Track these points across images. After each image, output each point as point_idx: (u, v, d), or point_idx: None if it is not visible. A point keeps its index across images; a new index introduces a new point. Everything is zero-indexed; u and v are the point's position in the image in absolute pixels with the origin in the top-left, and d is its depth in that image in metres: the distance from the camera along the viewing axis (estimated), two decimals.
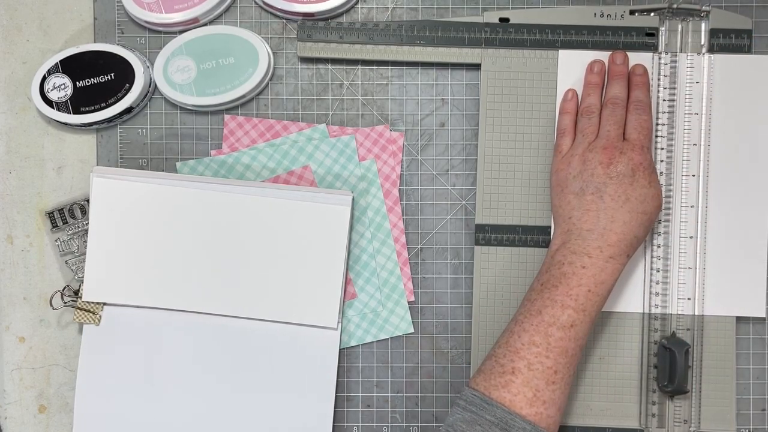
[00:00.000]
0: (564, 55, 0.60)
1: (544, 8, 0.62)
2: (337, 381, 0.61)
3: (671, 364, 0.59)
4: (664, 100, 0.60)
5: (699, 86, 0.60)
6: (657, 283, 0.60)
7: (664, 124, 0.60)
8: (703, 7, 0.60)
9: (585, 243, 0.53)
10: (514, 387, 0.51)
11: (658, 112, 0.60)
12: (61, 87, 0.61)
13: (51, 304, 0.61)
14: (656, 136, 0.60)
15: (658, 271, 0.60)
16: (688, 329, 0.60)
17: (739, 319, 0.61)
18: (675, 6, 0.60)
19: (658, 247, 0.60)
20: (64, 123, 0.61)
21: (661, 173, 0.60)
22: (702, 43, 0.60)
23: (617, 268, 0.53)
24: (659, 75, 0.60)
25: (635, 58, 0.60)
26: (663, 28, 0.60)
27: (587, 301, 0.52)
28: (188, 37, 0.61)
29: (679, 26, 0.60)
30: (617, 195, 0.54)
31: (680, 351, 0.58)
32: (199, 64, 0.61)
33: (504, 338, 0.54)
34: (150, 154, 0.63)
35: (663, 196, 0.58)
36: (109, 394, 0.60)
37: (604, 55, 0.60)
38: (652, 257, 0.60)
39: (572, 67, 0.60)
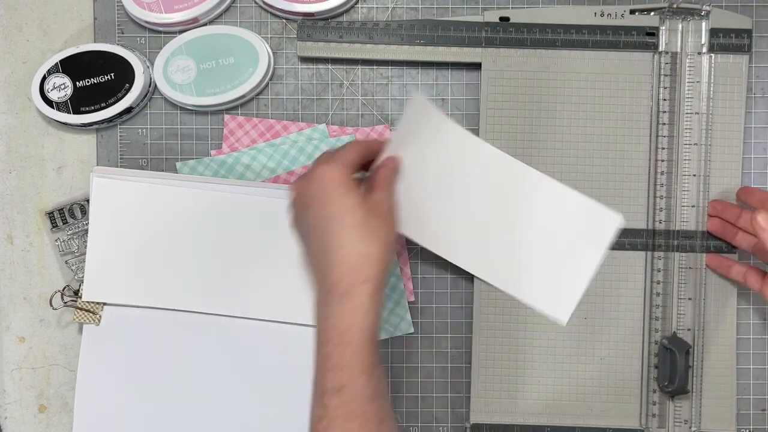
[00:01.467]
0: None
1: (545, 8, 0.62)
2: None
3: (672, 364, 0.58)
4: (664, 100, 0.60)
5: (699, 86, 0.60)
6: (658, 283, 0.60)
7: (664, 124, 0.60)
8: (704, 7, 0.60)
9: None
10: None
11: (658, 111, 0.60)
12: (61, 87, 0.61)
13: (51, 304, 0.61)
14: (657, 136, 0.60)
15: (659, 271, 0.60)
16: (689, 329, 0.60)
17: (739, 318, 0.61)
18: (675, 5, 0.60)
19: (659, 246, 0.60)
20: (64, 123, 0.61)
21: (662, 173, 0.60)
22: (702, 42, 0.60)
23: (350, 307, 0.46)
24: (659, 74, 0.60)
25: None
26: (663, 28, 0.60)
27: (342, 357, 0.45)
28: (188, 37, 0.61)
29: (680, 26, 0.60)
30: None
31: (681, 351, 0.58)
32: (199, 64, 0.61)
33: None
34: (150, 154, 0.63)
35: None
36: (109, 394, 0.60)
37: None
38: (653, 257, 0.60)
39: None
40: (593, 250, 0.58)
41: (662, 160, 0.60)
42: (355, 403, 0.45)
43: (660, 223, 0.60)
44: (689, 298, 0.59)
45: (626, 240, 0.61)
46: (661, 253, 0.60)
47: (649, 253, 0.60)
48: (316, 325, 0.47)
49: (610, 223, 0.58)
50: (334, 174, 0.47)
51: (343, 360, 0.45)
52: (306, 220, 0.47)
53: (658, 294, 0.60)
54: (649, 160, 0.60)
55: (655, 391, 0.60)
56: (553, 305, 0.59)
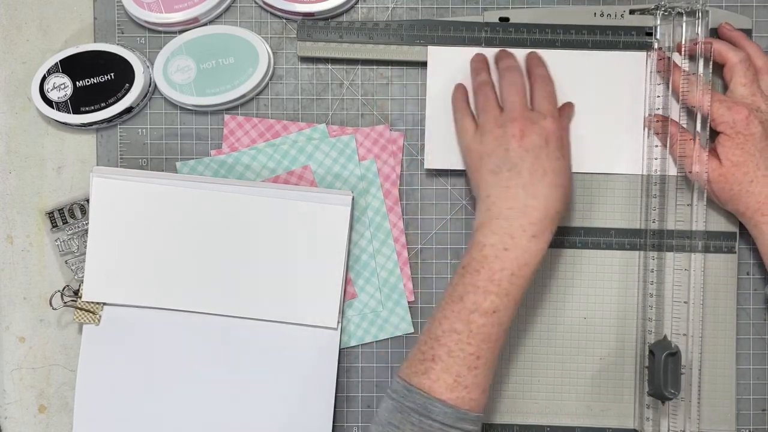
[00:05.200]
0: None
1: (544, 8, 0.62)
2: (337, 381, 0.61)
3: (655, 367, 0.57)
4: (658, 97, 0.60)
5: (696, 84, 0.59)
6: (652, 284, 0.60)
7: (658, 121, 0.60)
8: (704, 7, 0.60)
9: (507, 223, 0.51)
10: (434, 374, 0.50)
11: (653, 108, 0.60)
12: (61, 87, 0.61)
13: (51, 304, 0.61)
14: (654, 134, 0.60)
15: (653, 272, 0.60)
16: (684, 334, 0.59)
17: (739, 318, 0.61)
18: (675, 5, 0.60)
19: (653, 247, 0.60)
20: (64, 123, 0.61)
21: (656, 171, 0.60)
22: (701, 42, 0.60)
23: (541, 247, 0.51)
24: (655, 72, 0.60)
25: (635, 56, 0.60)
26: (663, 28, 0.60)
27: (510, 285, 0.51)
28: (188, 36, 0.61)
29: (679, 25, 0.60)
30: (534, 169, 0.52)
31: (660, 354, 0.57)
32: (199, 64, 0.61)
33: (427, 325, 0.53)
34: (150, 154, 0.63)
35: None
36: (109, 394, 0.60)
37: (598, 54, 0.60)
38: (646, 257, 0.60)
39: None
40: (335, 250, 0.59)
41: (656, 158, 0.60)
42: (498, 329, 0.51)
43: (654, 222, 0.60)
44: (685, 302, 0.59)
45: (625, 240, 0.61)
46: (655, 254, 0.60)
47: (643, 253, 0.60)
48: (488, 252, 0.52)
49: (340, 213, 0.59)
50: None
51: (510, 289, 0.51)
52: (545, 165, 0.53)
53: (651, 295, 0.60)
54: (643, 158, 0.60)
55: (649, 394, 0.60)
56: (319, 316, 0.60)
